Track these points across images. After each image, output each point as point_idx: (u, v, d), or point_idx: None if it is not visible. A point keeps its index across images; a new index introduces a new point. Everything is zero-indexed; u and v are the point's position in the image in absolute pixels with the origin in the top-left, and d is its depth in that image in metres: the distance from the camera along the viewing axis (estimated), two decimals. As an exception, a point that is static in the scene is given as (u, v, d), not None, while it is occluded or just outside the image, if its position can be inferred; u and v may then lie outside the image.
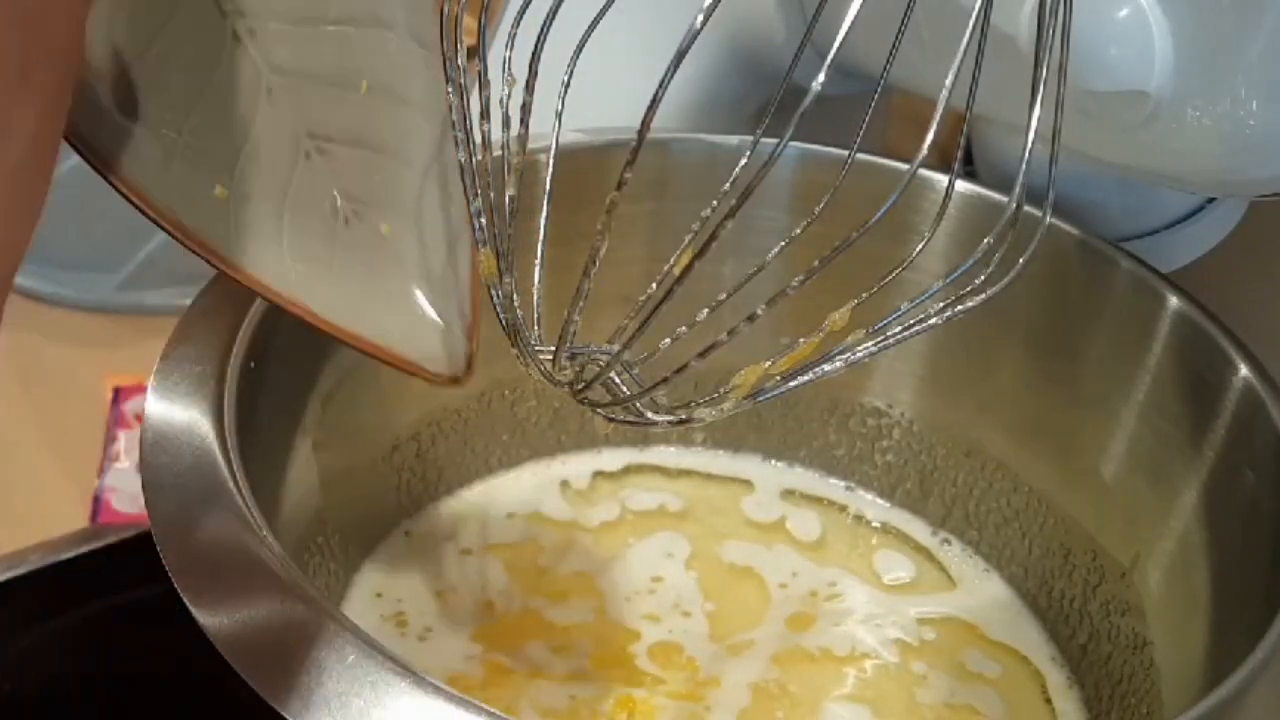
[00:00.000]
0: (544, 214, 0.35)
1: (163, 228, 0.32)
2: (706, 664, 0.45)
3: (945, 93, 0.28)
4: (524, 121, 0.33)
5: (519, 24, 0.33)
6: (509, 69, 0.34)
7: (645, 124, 0.28)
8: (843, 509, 0.52)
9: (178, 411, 0.36)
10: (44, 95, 0.24)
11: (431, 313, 0.38)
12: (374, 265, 0.37)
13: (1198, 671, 0.39)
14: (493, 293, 0.33)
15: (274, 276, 0.35)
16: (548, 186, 0.35)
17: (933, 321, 0.31)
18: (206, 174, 0.33)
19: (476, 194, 0.33)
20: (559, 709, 0.43)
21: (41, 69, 0.23)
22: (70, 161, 0.30)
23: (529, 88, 0.32)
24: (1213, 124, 0.36)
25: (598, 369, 0.32)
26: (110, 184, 0.31)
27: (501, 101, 0.33)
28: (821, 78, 0.27)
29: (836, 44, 0.27)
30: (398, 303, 0.38)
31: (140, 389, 0.61)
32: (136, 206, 0.32)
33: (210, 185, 0.33)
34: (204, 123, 0.33)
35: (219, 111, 0.34)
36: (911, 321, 0.31)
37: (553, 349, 0.32)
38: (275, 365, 0.39)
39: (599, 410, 0.33)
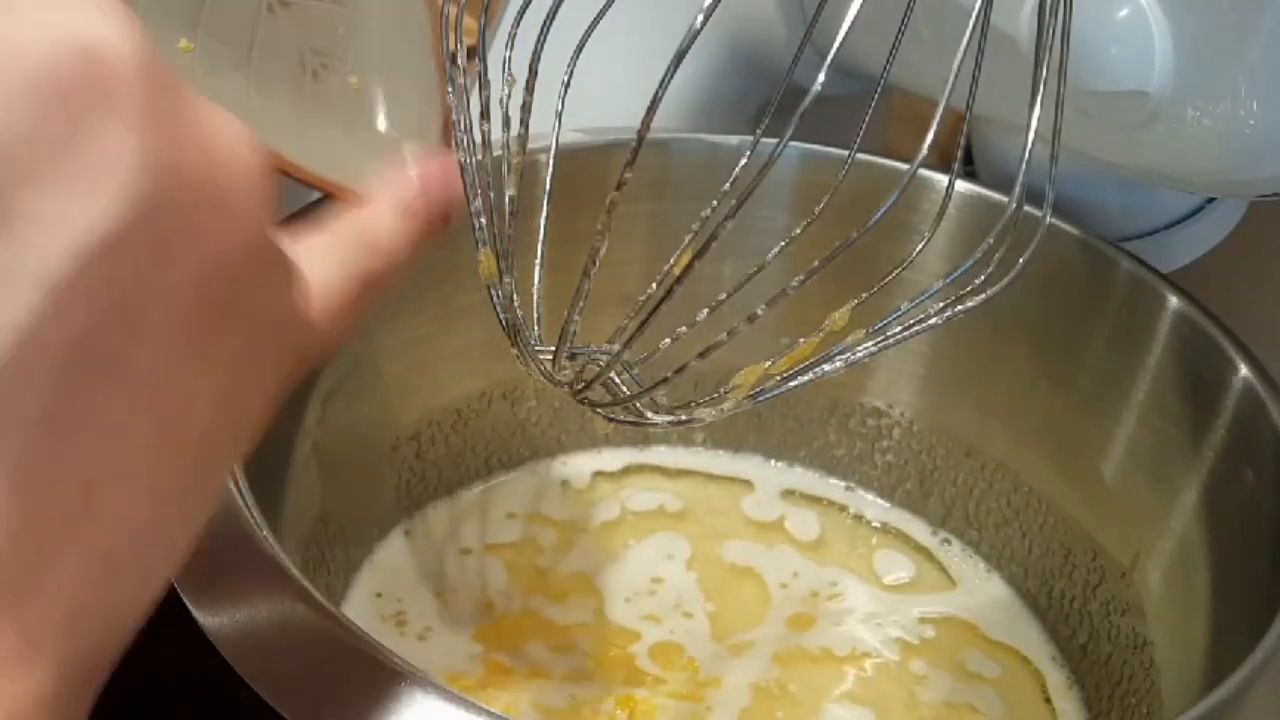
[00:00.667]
0: (544, 214, 0.35)
1: None
2: (707, 664, 0.45)
3: (945, 93, 0.28)
4: (524, 121, 0.33)
5: (519, 24, 0.33)
6: (509, 69, 0.34)
7: (645, 124, 0.28)
8: (843, 509, 0.52)
9: (178, 411, 0.36)
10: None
11: (405, 154, 0.39)
12: (345, 117, 0.38)
13: (1198, 671, 0.39)
14: (493, 293, 0.33)
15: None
16: (548, 186, 0.35)
17: (933, 321, 0.31)
18: (170, 29, 0.34)
19: (476, 194, 0.33)
20: (559, 708, 0.43)
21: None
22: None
23: (529, 88, 0.32)
24: (1213, 124, 0.36)
25: (598, 369, 0.32)
26: None
27: (501, 101, 0.33)
28: (821, 78, 0.27)
29: (836, 44, 0.27)
30: (370, 151, 0.38)
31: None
32: None
33: (174, 40, 0.34)
34: None
35: None
36: (911, 321, 0.31)
37: (553, 349, 0.32)
38: (275, 365, 0.39)
39: (599, 410, 0.33)
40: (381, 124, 0.38)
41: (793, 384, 0.31)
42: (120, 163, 0.20)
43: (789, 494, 0.52)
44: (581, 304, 0.31)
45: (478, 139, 0.33)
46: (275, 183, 0.24)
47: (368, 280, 0.30)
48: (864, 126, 0.32)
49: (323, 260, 0.29)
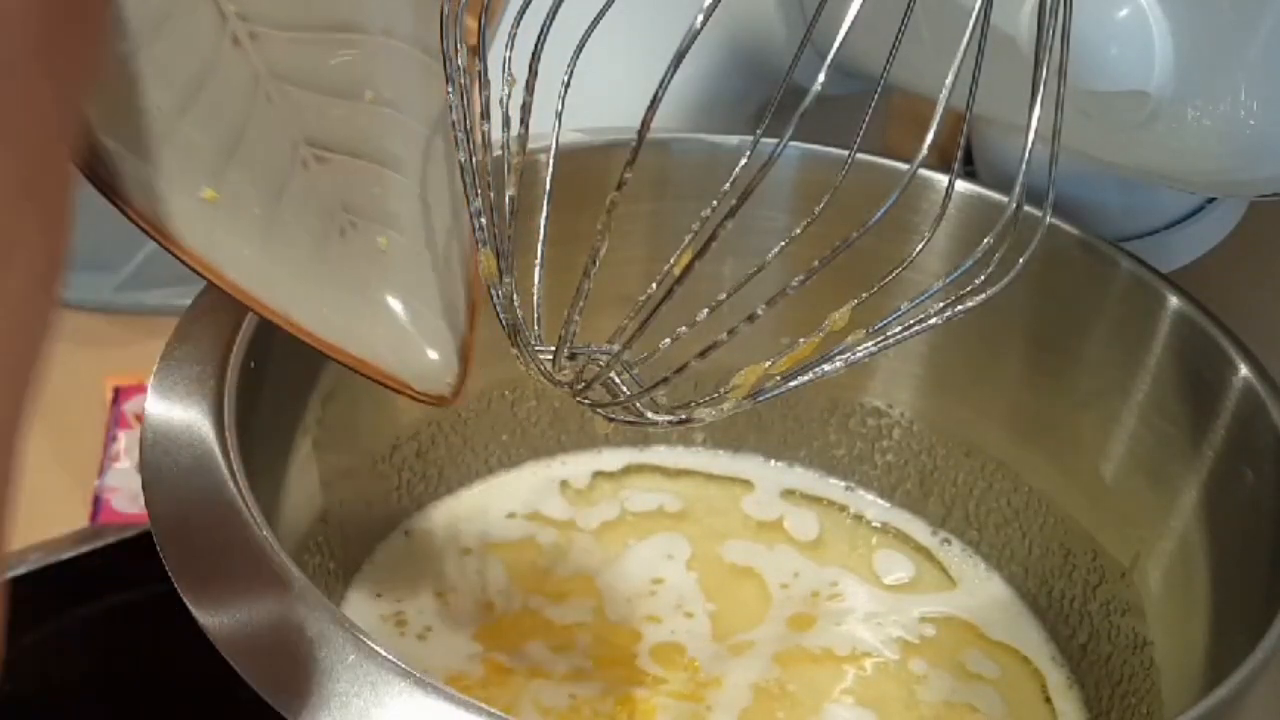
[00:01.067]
0: (544, 214, 0.35)
1: (141, 228, 0.32)
2: (707, 664, 0.45)
3: (945, 93, 0.28)
4: (524, 121, 0.33)
5: (519, 24, 0.33)
6: (509, 69, 0.34)
7: (645, 124, 0.28)
8: (843, 509, 0.52)
9: (178, 411, 0.36)
10: (49, 210, 0.21)
11: (422, 329, 0.37)
12: (367, 278, 0.37)
13: (1198, 671, 0.39)
14: (493, 293, 0.33)
15: (257, 284, 0.34)
16: (548, 186, 0.35)
17: (933, 321, 0.31)
18: (193, 176, 0.33)
19: (476, 194, 0.33)
20: (559, 708, 0.43)
21: (45, 180, 0.21)
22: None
23: (529, 88, 0.32)
24: (1213, 124, 0.36)
25: (598, 369, 0.32)
26: (88, 178, 0.31)
27: (501, 101, 0.33)
28: (821, 78, 0.27)
29: (836, 44, 0.27)
30: (388, 318, 0.37)
31: (140, 389, 0.61)
32: (113, 202, 0.31)
33: (197, 188, 0.33)
34: (196, 124, 0.33)
35: (212, 114, 0.33)
36: (911, 321, 0.31)
37: (553, 349, 0.32)
38: (275, 365, 0.39)
39: (599, 410, 0.33)
40: (407, 288, 0.37)
41: (793, 384, 0.31)
42: None
43: (789, 494, 0.52)
44: (581, 304, 0.31)
45: (478, 139, 0.33)
46: None
47: None
48: (864, 126, 0.32)
49: None
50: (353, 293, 0.36)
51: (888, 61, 0.33)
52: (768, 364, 0.31)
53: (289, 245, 0.35)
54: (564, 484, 0.51)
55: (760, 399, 0.31)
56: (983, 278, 0.32)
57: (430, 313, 0.37)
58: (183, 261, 0.33)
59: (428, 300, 0.37)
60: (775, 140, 0.28)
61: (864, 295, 0.31)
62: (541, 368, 0.33)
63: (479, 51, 0.33)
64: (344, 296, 0.36)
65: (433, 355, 0.37)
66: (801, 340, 0.30)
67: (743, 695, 0.44)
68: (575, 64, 0.34)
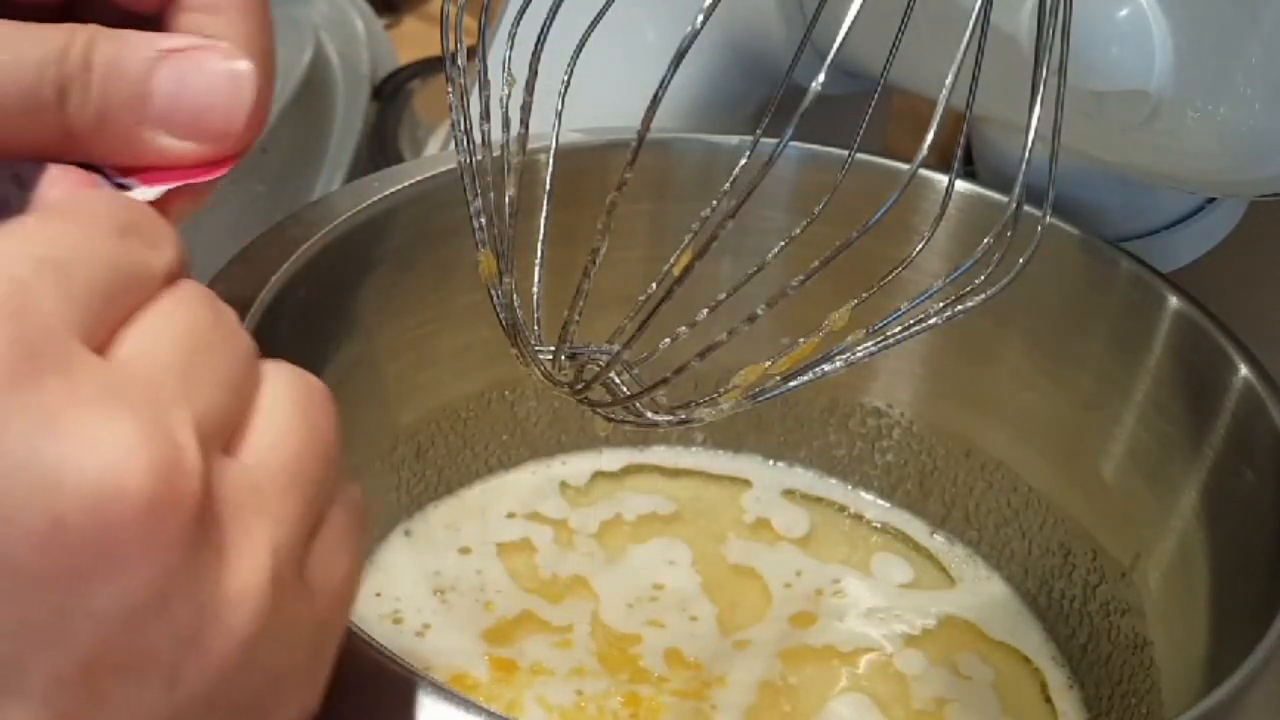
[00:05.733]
0: (544, 214, 0.35)
1: None
2: (710, 663, 0.45)
3: (945, 93, 0.28)
4: (524, 121, 0.33)
5: (519, 24, 0.33)
6: (509, 69, 0.34)
7: (645, 124, 0.28)
8: (842, 509, 0.52)
9: (178, 411, 0.36)
10: None
11: None
12: None
13: (1198, 671, 0.39)
14: (493, 293, 0.33)
15: None
16: (548, 186, 0.35)
17: (933, 321, 0.31)
18: None
19: (476, 194, 0.33)
20: (565, 706, 0.43)
21: None
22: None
23: (529, 88, 0.32)
24: (1213, 124, 0.36)
25: (598, 369, 0.32)
26: None
27: (501, 101, 0.33)
28: (821, 78, 0.27)
29: (836, 44, 0.27)
30: None
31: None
32: None
33: None
34: None
35: None
36: (911, 321, 0.31)
37: (553, 349, 0.32)
38: (275, 365, 0.39)
39: (599, 410, 0.33)
40: None
41: (793, 384, 0.31)
42: None
43: (789, 494, 0.52)
44: (581, 304, 0.31)
45: (478, 139, 0.33)
46: None
47: None
48: (864, 126, 0.32)
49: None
50: None
51: (888, 61, 0.33)
52: (768, 364, 0.31)
53: None
54: (564, 484, 0.51)
55: (760, 399, 0.31)
56: (983, 278, 0.32)
57: None
58: None
59: None
60: (775, 140, 0.28)
61: (864, 295, 0.31)
62: (541, 368, 0.33)
63: (479, 51, 0.33)
64: None
65: None
66: (801, 340, 0.30)
67: (746, 693, 0.44)
68: (575, 64, 0.34)
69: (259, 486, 0.24)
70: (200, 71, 0.29)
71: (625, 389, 0.33)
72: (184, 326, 0.24)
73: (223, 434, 0.24)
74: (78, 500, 0.20)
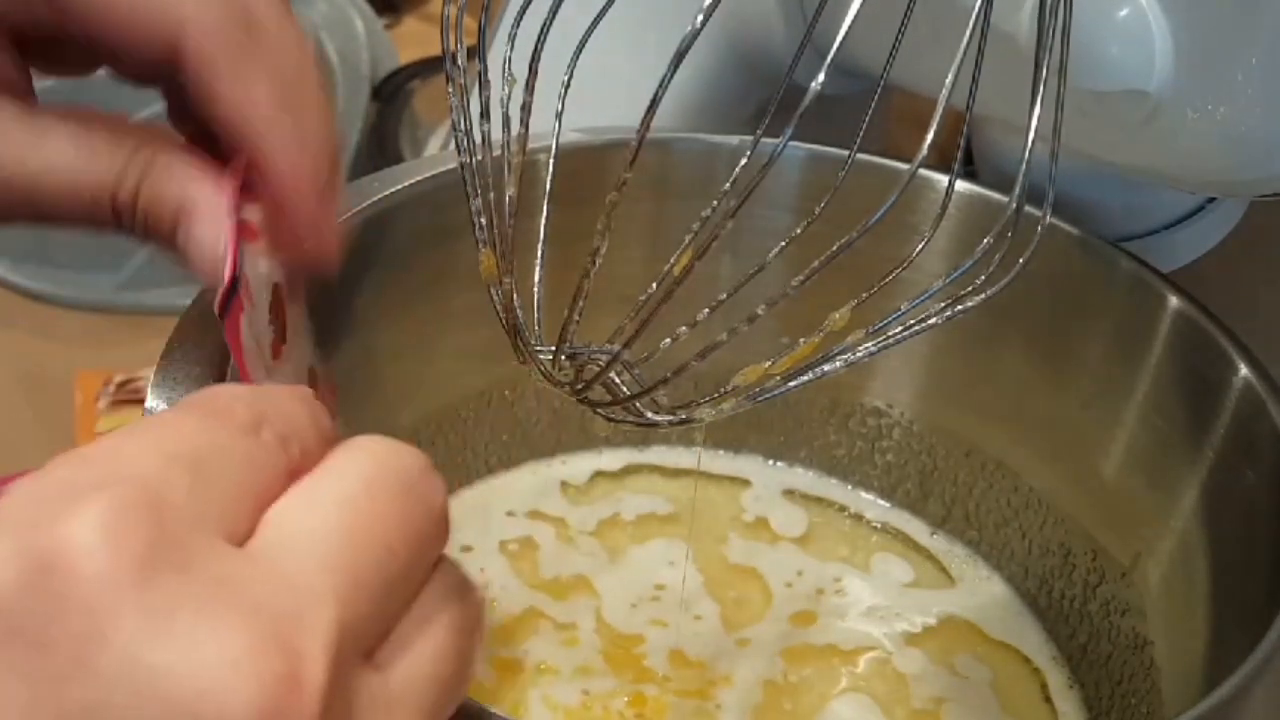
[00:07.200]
0: (544, 214, 0.35)
1: None
2: (713, 662, 0.45)
3: (945, 93, 0.28)
4: (524, 121, 0.33)
5: (519, 24, 0.33)
6: (509, 69, 0.34)
7: (645, 124, 0.28)
8: (842, 509, 0.52)
9: (178, 411, 0.36)
10: None
11: None
12: None
13: (1198, 671, 0.39)
14: (493, 293, 0.33)
15: None
16: (548, 186, 0.35)
17: (933, 321, 0.31)
18: None
19: (476, 194, 0.33)
20: (571, 705, 0.43)
21: None
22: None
23: (529, 88, 0.32)
24: (1213, 124, 0.36)
25: (598, 369, 0.32)
26: None
27: (501, 101, 0.33)
28: (821, 78, 0.27)
29: (836, 44, 0.27)
30: None
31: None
32: None
33: None
34: None
35: None
36: (911, 321, 0.31)
37: (553, 349, 0.32)
38: (275, 365, 0.39)
39: (599, 410, 0.33)
40: None
41: (793, 384, 0.31)
42: None
43: (789, 494, 0.52)
44: (581, 304, 0.31)
45: (478, 139, 0.33)
46: None
47: None
48: (864, 126, 0.32)
49: None
50: None
51: (888, 61, 0.33)
52: (768, 364, 0.31)
53: None
54: (564, 484, 0.51)
55: (760, 399, 0.31)
56: (983, 278, 0.32)
57: None
58: None
59: None
60: (775, 140, 0.28)
61: (864, 295, 0.31)
62: (541, 368, 0.33)
63: (479, 51, 0.33)
64: None
65: None
66: (801, 340, 0.30)
67: (750, 692, 0.44)
68: (575, 64, 0.34)
69: (394, 704, 0.22)
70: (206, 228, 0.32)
71: (625, 389, 0.33)
72: (346, 503, 0.22)
73: (369, 639, 0.22)
74: (178, 712, 0.19)
